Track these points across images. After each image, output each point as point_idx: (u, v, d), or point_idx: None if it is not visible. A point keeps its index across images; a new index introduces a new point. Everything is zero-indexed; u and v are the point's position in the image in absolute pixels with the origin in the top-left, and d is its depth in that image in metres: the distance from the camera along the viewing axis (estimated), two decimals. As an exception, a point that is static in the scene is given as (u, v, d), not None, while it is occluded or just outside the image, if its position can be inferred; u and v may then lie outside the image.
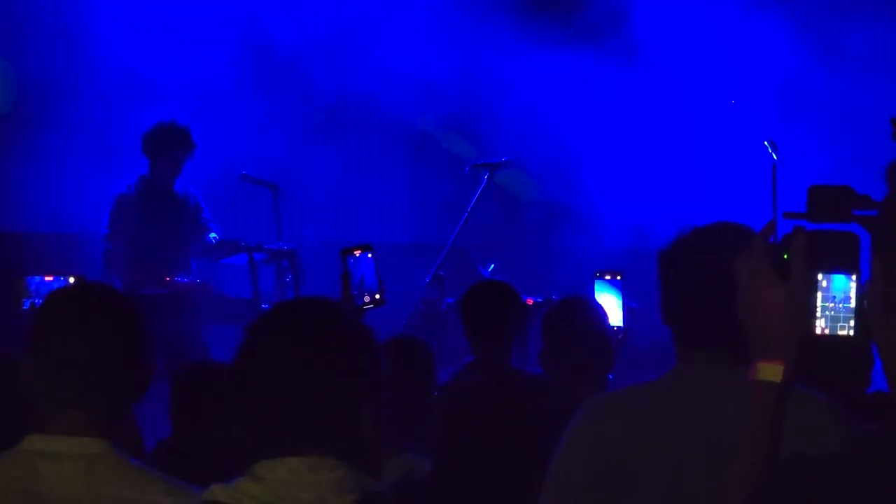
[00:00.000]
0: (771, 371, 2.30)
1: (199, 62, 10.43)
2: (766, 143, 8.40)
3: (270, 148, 10.53)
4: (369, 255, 4.26)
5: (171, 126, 8.83)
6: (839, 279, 2.28)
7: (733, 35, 11.02)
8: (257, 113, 10.62)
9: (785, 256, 2.24)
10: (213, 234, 9.03)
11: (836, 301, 2.28)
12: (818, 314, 2.27)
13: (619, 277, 5.53)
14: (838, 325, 2.28)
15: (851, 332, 2.26)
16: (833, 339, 2.27)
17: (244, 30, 10.63)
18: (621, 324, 5.49)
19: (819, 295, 2.27)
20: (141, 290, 8.48)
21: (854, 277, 2.27)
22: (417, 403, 4.89)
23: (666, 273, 3.39)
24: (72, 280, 5.27)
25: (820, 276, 2.26)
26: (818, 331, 2.28)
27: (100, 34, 10.29)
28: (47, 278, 5.42)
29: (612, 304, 5.51)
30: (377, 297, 4.26)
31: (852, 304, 2.26)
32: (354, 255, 4.24)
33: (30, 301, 5.30)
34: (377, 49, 10.81)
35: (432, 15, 10.77)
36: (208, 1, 10.59)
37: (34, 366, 2.94)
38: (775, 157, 8.31)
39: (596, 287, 5.48)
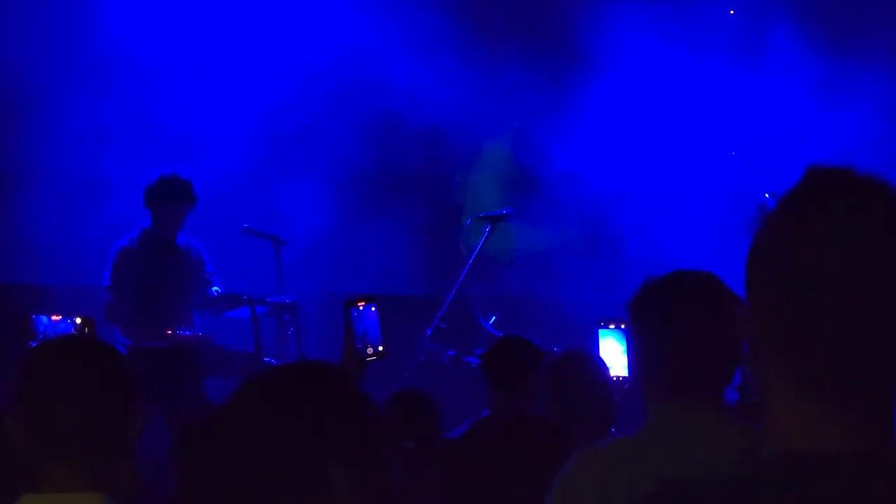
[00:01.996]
0: None
1: (202, 115, 10.48)
2: (767, 195, 8.40)
3: (272, 200, 10.55)
4: (373, 308, 4.25)
5: (172, 178, 8.83)
6: None
7: (734, 85, 11.08)
8: (259, 165, 10.65)
9: None
10: (215, 288, 9.03)
11: None
12: None
13: (623, 326, 5.51)
14: None
15: None
16: None
17: (244, 82, 10.67)
18: (626, 373, 5.48)
19: None
20: (143, 343, 8.48)
21: None
22: (423, 455, 4.87)
23: (638, 324, 3.40)
24: (79, 320, 5.26)
25: None
26: None
27: (102, 76, 10.34)
28: (54, 318, 5.40)
29: (617, 353, 5.50)
30: (380, 349, 4.24)
31: None
32: (358, 307, 4.23)
33: (37, 342, 5.28)
34: (381, 100, 10.85)
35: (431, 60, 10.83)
36: (208, 50, 10.63)
37: (23, 421, 2.93)
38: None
39: (601, 335, 5.47)
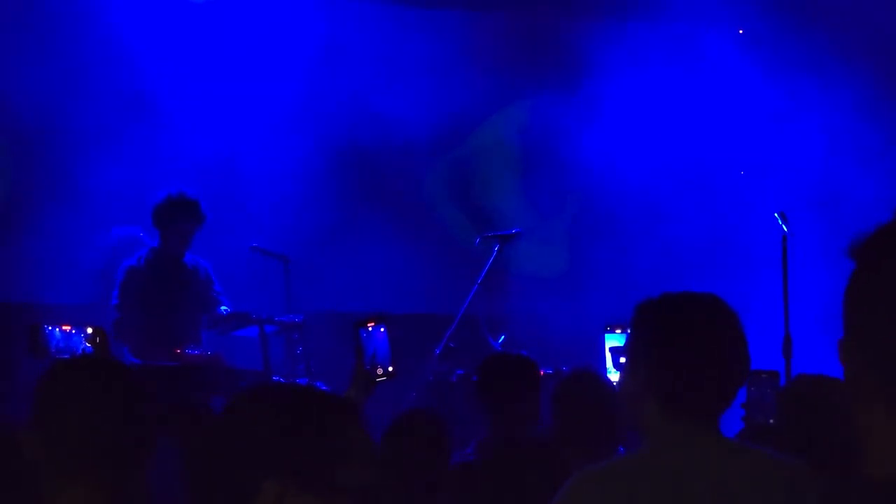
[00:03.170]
0: None
1: (211, 135, 10.50)
2: (776, 214, 8.39)
3: (280, 219, 10.56)
4: (382, 329, 4.22)
5: (180, 198, 8.84)
6: None
7: (745, 103, 11.09)
8: (268, 184, 10.66)
9: None
10: (223, 307, 9.02)
11: None
12: None
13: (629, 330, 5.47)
14: None
15: None
16: None
17: (250, 100, 10.69)
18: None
19: None
20: (151, 362, 8.47)
21: None
22: (433, 475, 4.85)
23: (638, 342, 3.39)
24: (90, 331, 5.26)
25: None
26: None
27: (105, 97, 10.36)
28: (65, 328, 5.40)
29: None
30: (390, 369, 4.22)
31: None
32: (367, 328, 4.20)
33: (48, 353, 5.27)
34: (387, 119, 10.86)
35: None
36: (208, 68, 10.66)
37: (38, 438, 2.94)
38: (785, 229, 8.30)
39: (607, 339, 5.44)
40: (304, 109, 10.79)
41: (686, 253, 10.59)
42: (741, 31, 11.34)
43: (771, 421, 5.09)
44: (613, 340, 5.41)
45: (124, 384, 2.99)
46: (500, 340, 9.54)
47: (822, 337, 9.85)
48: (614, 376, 5.30)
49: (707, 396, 3.30)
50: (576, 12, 11.36)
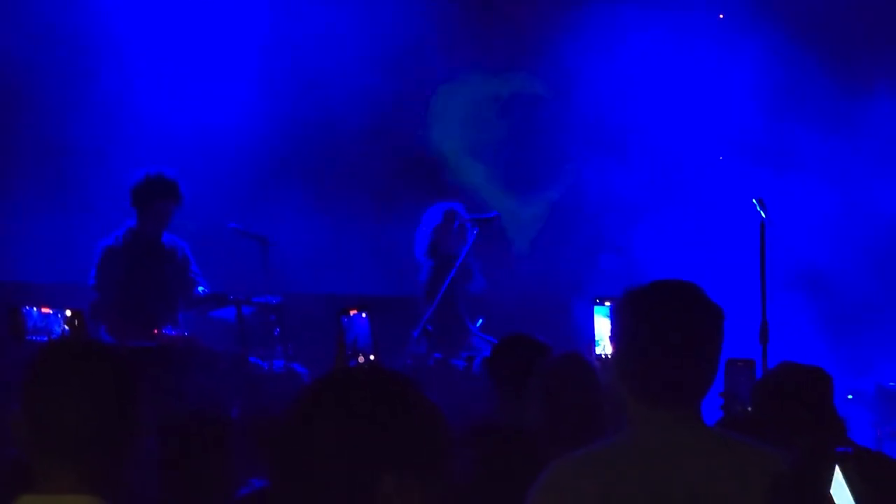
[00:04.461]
0: None
1: (187, 115, 10.47)
2: (754, 200, 8.38)
3: (259, 200, 10.54)
4: (364, 316, 4.20)
5: (158, 177, 8.81)
6: None
7: (725, 88, 11.09)
8: (246, 166, 10.64)
9: None
10: (200, 287, 9.00)
11: None
12: None
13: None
14: None
15: None
16: None
17: (229, 83, 10.66)
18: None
19: None
20: (128, 342, 8.45)
21: None
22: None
23: (620, 330, 3.40)
24: (69, 313, 5.25)
25: None
26: None
27: (87, 76, 10.33)
28: (44, 310, 5.39)
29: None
30: (371, 357, 4.19)
31: None
32: (349, 314, 4.18)
33: (28, 335, 5.26)
34: (366, 98, 10.84)
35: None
36: (190, 50, 10.63)
37: (25, 423, 2.92)
38: (764, 215, 8.30)
39: (595, 312, 5.42)
40: (279, 90, 10.76)
41: (666, 238, 10.60)
42: (721, 16, 11.34)
43: (749, 409, 5.11)
44: (602, 314, 5.39)
45: (113, 368, 2.97)
46: (478, 324, 9.54)
47: (798, 323, 9.96)
48: (602, 349, 5.29)
49: (680, 385, 3.32)
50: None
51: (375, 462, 2.28)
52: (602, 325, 5.31)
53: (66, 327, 5.22)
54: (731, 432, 3.50)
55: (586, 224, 11.12)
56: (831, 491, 2.28)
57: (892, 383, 9.60)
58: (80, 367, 2.94)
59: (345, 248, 11.05)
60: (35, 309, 5.42)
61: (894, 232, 10.74)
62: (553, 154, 11.25)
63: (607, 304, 5.30)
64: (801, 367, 4.88)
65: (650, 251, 10.48)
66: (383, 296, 10.59)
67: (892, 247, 10.72)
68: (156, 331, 8.59)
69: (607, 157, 11.02)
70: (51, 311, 5.33)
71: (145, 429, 3.01)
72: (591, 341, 5.37)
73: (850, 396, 9.37)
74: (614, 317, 3.44)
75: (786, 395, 4.67)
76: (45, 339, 5.34)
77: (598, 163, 11.01)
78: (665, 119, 11.12)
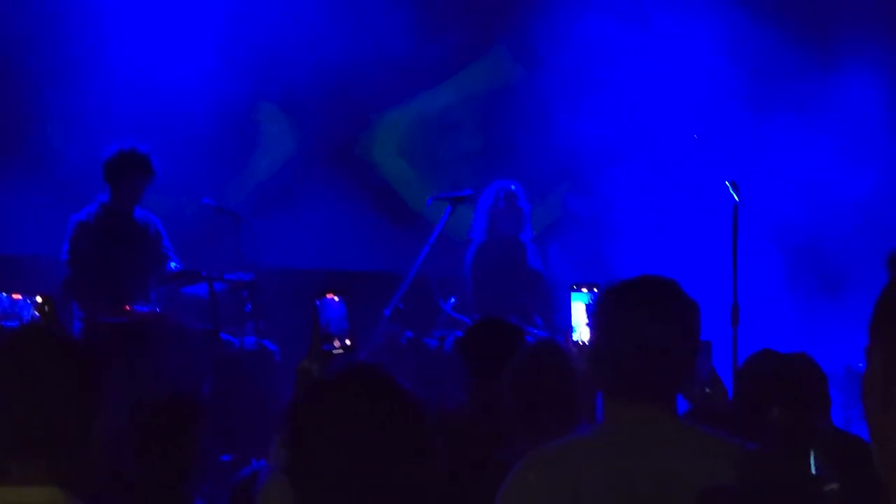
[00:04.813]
0: None
1: (160, 92, 10.44)
2: (727, 182, 8.39)
3: (232, 176, 10.53)
4: (338, 300, 4.18)
5: (131, 152, 8.77)
6: None
7: (698, 68, 11.10)
8: (219, 141, 10.62)
9: None
10: (172, 263, 8.99)
11: None
12: None
13: (595, 290, 5.45)
14: None
15: None
16: None
17: (205, 57, 10.62)
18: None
19: None
20: (99, 318, 8.43)
21: None
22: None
23: (597, 326, 3.42)
24: (39, 299, 5.23)
25: None
26: None
27: (53, 51, 10.30)
28: (15, 297, 5.37)
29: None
30: (347, 343, 4.17)
31: None
32: (325, 299, 4.16)
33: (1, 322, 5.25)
34: (340, 72, 10.81)
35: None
36: (160, 25, 10.60)
37: None
38: (737, 199, 8.31)
39: (572, 298, 5.40)
40: (251, 64, 10.74)
41: (640, 221, 10.61)
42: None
43: (707, 390, 5.10)
44: (579, 300, 5.39)
45: (74, 360, 2.94)
46: (451, 303, 9.55)
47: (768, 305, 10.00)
48: (578, 335, 5.28)
49: (655, 382, 3.34)
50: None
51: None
52: (579, 311, 5.31)
53: (36, 313, 5.20)
54: (703, 426, 3.51)
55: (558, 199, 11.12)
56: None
57: (860, 364, 9.65)
58: (35, 360, 2.90)
59: (320, 223, 11.01)
60: (5, 294, 5.40)
61: (862, 212, 10.79)
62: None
63: (584, 290, 5.29)
64: (786, 358, 4.89)
65: (623, 232, 10.50)
66: (357, 270, 10.61)
67: (862, 226, 10.76)
68: (127, 307, 8.56)
69: (577, 132, 11.01)
70: (20, 297, 5.31)
71: (104, 418, 2.98)
72: (567, 327, 5.36)
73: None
74: (592, 312, 3.47)
75: (771, 391, 4.66)
76: (17, 324, 5.32)
77: (569, 138, 10.99)
78: (634, 98, 11.12)
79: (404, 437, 2.58)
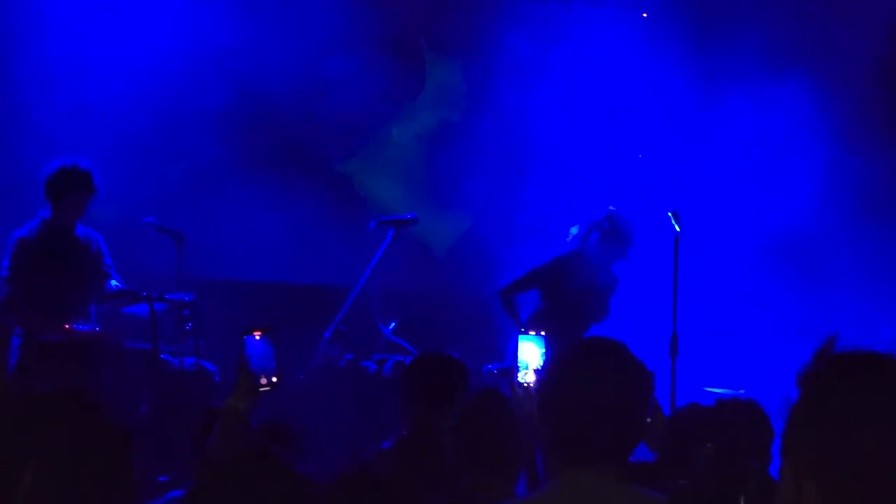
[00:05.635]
0: None
1: (102, 107, 10.40)
2: (669, 213, 8.43)
3: (174, 191, 10.49)
4: (267, 337, 4.22)
5: (73, 169, 8.72)
6: None
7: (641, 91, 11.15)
8: (161, 158, 10.59)
9: None
10: (113, 282, 8.94)
11: None
12: None
13: (543, 333, 5.48)
14: None
15: None
16: None
17: (146, 72, 10.59)
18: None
19: None
20: (37, 336, 8.37)
21: None
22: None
23: (545, 391, 3.42)
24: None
25: None
26: None
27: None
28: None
29: (535, 356, 5.46)
30: (273, 379, 4.22)
31: None
32: (254, 336, 4.20)
33: None
34: (283, 84, 10.81)
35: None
36: (104, 42, 10.55)
37: None
38: (678, 229, 8.35)
39: (520, 339, 5.42)
40: (201, 78, 10.72)
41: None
42: (645, 15, 11.39)
43: (648, 420, 5.12)
44: (527, 341, 5.41)
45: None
46: (391, 327, 9.54)
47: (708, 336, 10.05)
48: (523, 377, 5.29)
49: (602, 447, 3.33)
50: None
51: None
52: (526, 351, 5.33)
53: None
54: (648, 490, 3.51)
55: (505, 220, 11.14)
56: None
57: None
58: None
59: (262, 235, 10.98)
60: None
61: (807, 222, 10.83)
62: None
63: (532, 333, 5.33)
64: (720, 403, 4.92)
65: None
66: (300, 284, 10.60)
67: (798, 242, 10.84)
68: (67, 325, 8.51)
69: (527, 152, 11.05)
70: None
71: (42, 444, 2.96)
72: (514, 368, 5.38)
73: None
74: (542, 376, 3.46)
75: (703, 434, 4.69)
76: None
77: (518, 159, 11.04)
78: (580, 118, 11.17)
79: None
